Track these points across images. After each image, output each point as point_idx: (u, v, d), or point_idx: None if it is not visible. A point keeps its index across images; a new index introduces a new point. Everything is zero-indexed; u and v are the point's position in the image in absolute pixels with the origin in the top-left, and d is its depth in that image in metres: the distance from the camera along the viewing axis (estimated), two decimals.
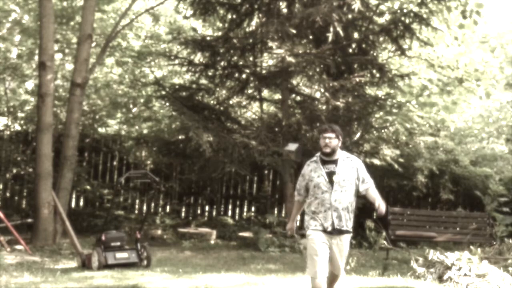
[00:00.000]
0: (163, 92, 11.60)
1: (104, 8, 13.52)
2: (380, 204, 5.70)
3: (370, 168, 8.09)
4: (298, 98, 11.62)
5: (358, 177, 5.76)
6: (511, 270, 8.01)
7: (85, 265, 8.40)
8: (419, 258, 8.42)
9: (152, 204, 13.04)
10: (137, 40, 14.35)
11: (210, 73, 11.38)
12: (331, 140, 5.70)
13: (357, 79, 10.54)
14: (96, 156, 13.19)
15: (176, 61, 11.73)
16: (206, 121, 10.63)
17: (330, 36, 10.06)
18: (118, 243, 8.50)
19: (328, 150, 5.70)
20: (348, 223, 5.73)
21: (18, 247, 9.65)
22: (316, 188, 5.69)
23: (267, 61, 11.82)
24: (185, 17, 12.62)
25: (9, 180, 12.61)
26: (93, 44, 12.25)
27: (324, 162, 5.73)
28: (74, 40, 12.83)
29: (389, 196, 13.15)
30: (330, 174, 5.66)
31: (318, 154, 5.85)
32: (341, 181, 5.65)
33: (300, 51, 10.42)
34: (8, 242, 9.66)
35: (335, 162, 5.72)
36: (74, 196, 12.52)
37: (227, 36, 10.96)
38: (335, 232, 5.67)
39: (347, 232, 5.75)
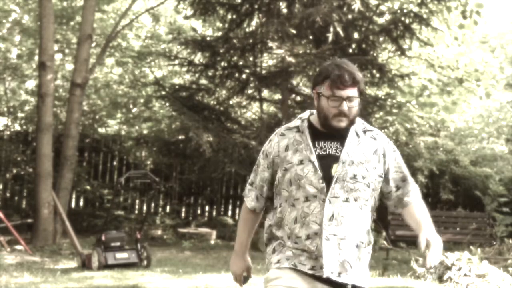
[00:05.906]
0: (163, 92, 11.59)
1: (104, 8, 13.53)
2: (432, 250, 2.66)
3: None
4: (298, 98, 11.61)
5: (386, 173, 2.78)
6: (511, 270, 8.01)
7: (85, 265, 8.39)
8: (419, 258, 8.41)
9: (152, 204, 13.03)
10: (137, 40, 14.37)
11: (210, 73, 11.38)
12: (352, 103, 2.65)
13: None
14: (96, 156, 13.20)
15: (176, 61, 11.73)
16: (206, 121, 10.62)
17: (330, 36, 10.06)
18: (118, 243, 8.50)
19: (343, 124, 2.67)
20: (359, 270, 2.74)
21: (18, 247, 9.64)
22: (295, 186, 2.68)
23: (267, 61, 11.82)
24: (185, 17, 12.62)
25: (9, 180, 12.61)
26: (93, 44, 12.26)
27: (316, 135, 2.74)
28: (74, 40, 12.84)
29: None
30: (329, 161, 2.66)
31: (303, 115, 2.87)
32: (350, 179, 2.66)
33: (300, 51, 10.42)
34: (8, 242, 9.65)
35: (341, 137, 2.70)
36: (74, 196, 12.51)
37: (227, 36, 10.96)
38: (329, 284, 2.67)
39: None
